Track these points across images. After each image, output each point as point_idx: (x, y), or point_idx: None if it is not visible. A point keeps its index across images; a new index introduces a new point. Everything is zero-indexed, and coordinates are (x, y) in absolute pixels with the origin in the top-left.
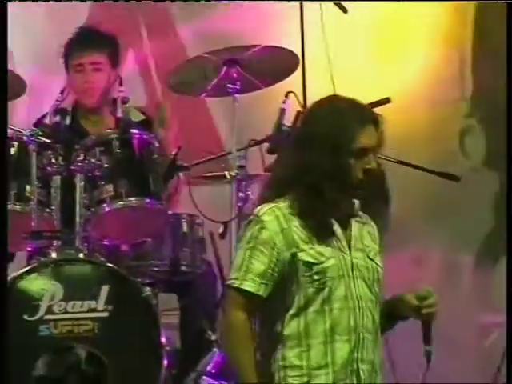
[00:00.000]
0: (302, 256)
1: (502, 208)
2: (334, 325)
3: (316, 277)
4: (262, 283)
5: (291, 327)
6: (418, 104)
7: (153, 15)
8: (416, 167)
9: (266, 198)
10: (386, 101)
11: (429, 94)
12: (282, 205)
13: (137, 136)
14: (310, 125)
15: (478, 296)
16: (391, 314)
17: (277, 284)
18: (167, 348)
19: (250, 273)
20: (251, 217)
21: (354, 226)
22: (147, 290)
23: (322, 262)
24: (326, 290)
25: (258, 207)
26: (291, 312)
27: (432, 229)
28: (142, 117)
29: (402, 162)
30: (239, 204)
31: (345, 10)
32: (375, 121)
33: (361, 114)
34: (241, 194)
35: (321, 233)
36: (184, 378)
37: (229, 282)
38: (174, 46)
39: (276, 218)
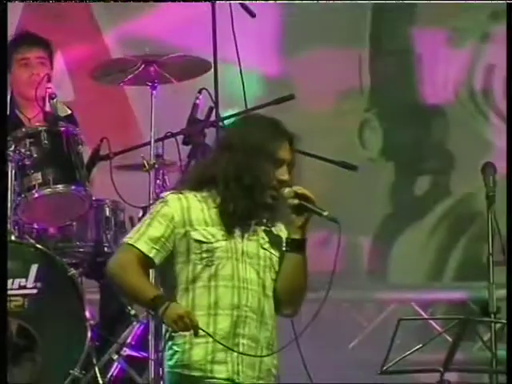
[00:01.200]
0: (195, 235)
1: (396, 194)
2: (217, 300)
3: (205, 255)
4: (153, 247)
5: (181, 300)
6: (320, 99)
7: (78, 19)
8: (318, 157)
9: (179, 190)
10: (291, 97)
11: (330, 89)
12: (188, 194)
13: (63, 129)
14: (240, 132)
15: (375, 273)
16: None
17: (171, 259)
18: (91, 322)
19: (144, 235)
20: (158, 201)
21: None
22: (72, 270)
23: (212, 243)
24: (213, 267)
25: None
26: (182, 286)
27: (335, 214)
28: (68, 111)
29: (305, 153)
30: (157, 190)
31: (253, 15)
32: (291, 138)
33: (282, 130)
34: (158, 182)
35: (214, 217)
36: (106, 350)
37: (124, 239)
38: (99, 48)
39: (178, 199)
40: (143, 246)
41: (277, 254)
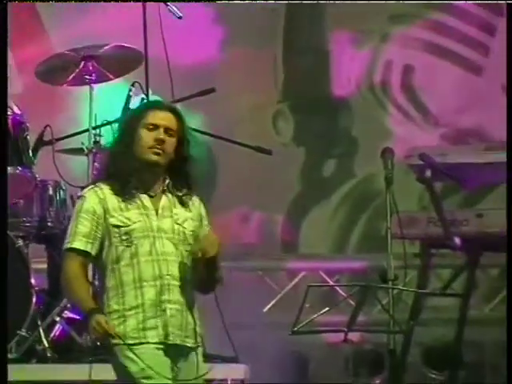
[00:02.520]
0: (113, 221)
1: (306, 175)
2: (141, 274)
3: (124, 237)
4: (87, 242)
5: (110, 280)
6: (240, 93)
7: (25, 18)
8: (238, 143)
9: (94, 181)
10: (212, 90)
11: (249, 84)
12: (103, 185)
13: (11, 117)
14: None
15: (288, 245)
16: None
17: (100, 245)
18: (36, 288)
19: (77, 235)
20: (77, 197)
21: (163, 200)
22: (20, 242)
23: (129, 225)
24: (133, 247)
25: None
26: (109, 267)
27: (254, 193)
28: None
29: (226, 139)
30: (94, 172)
31: (179, 16)
32: (163, 109)
33: (154, 102)
34: (96, 164)
35: (126, 201)
36: (49, 313)
37: (63, 247)
38: (44, 45)
39: (95, 193)
40: (79, 244)
41: (189, 228)
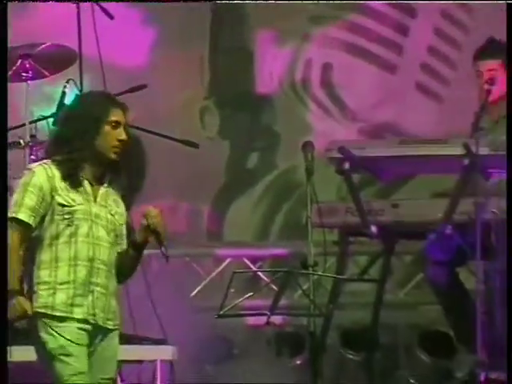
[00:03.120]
0: (59, 199)
1: (231, 167)
2: (76, 253)
3: (66, 216)
4: (31, 215)
5: (46, 253)
6: (169, 89)
7: None
8: (167, 137)
9: (45, 162)
10: (143, 86)
11: (176, 81)
12: (52, 165)
13: None
14: (76, 104)
15: (213, 233)
16: (136, 243)
17: (41, 220)
18: None
19: (23, 206)
20: (25, 171)
21: (102, 190)
22: None
23: (73, 206)
24: (73, 227)
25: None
26: (47, 242)
27: (181, 184)
28: None
29: (156, 133)
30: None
31: (111, 17)
32: (121, 106)
33: (112, 99)
34: (32, 157)
35: (72, 185)
36: None
37: (8, 215)
38: None
39: (44, 170)
40: (23, 216)
41: (120, 221)
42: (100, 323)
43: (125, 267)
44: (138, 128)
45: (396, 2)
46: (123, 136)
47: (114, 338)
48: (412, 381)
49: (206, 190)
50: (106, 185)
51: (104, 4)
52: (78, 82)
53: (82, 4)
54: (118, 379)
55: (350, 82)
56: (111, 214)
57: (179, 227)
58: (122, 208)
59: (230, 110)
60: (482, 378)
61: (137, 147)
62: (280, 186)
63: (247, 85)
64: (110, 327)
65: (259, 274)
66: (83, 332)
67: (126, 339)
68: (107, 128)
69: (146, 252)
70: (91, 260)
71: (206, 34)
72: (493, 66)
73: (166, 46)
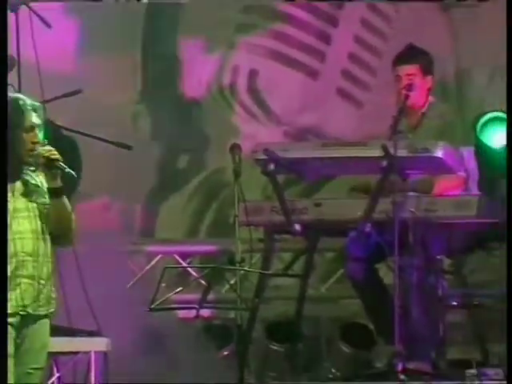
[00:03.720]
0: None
1: (163, 168)
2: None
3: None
4: None
5: None
6: (104, 93)
7: None
8: (102, 139)
9: None
10: (79, 91)
11: (112, 85)
12: None
13: None
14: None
15: (146, 231)
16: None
17: None
18: None
19: None
20: None
21: (18, 184)
22: None
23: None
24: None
25: None
26: None
27: (114, 184)
28: None
29: (92, 136)
30: None
31: (49, 26)
32: (33, 107)
33: (24, 104)
34: None
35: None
36: None
37: None
38: None
39: None
40: None
41: (42, 203)
42: (30, 312)
43: (58, 223)
44: (74, 131)
45: (320, 11)
46: (36, 138)
47: (45, 324)
48: (334, 371)
49: (138, 190)
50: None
51: (41, 12)
52: (17, 87)
53: (20, 12)
54: (54, 370)
55: (274, 88)
56: (30, 201)
57: (113, 225)
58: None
59: (161, 114)
60: (400, 367)
61: (73, 149)
62: (209, 186)
63: (177, 89)
64: (41, 313)
65: (189, 269)
66: (10, 326)
67: (61, 332)
68: (24, 134)
69: (81, 248)
70: (14, 255)
71: (138, 40)
72: (411, 70)
73: (100, 51)
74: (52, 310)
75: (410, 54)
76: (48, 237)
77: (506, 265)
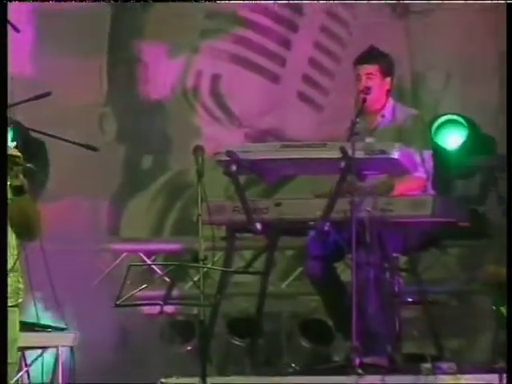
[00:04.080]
0: None
1: (128, 169)
2: None
3: None
4: None
5: None
6: (71, 96)
7: None
8: (69, 141)
9: None
10: (47, 94)
11: (76, 89)
12: None
13: None
14: None
15: (111, 229)
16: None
17: None
18: None
19: None
20: None
21: None
22: None
23: None
24: None
25: None
26: None
27: (81, 184)
28: None
29: (58, 137)
30: None
31: (18, 30)
32: None
33: None
34: None
35: None
36: None
37: None
38: None
39: None
40: None
41: None
42: None
43: (21, 220)
44: (42, 133)
45: (281, 17)
46: None
47: (14, 314)
48: (293, 365)
49: (105, 190)
50: None
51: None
52: None
53: None
54: (23, 364)
55: (236, 91)
56: None
57: (80, 225)
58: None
59: (127, 116)
60: (357, 362)
61: (40, 150)
62: (173, 187)
63: (142, 92)
64: (9, 304)
65: (153, 267)
66: None
67: (29, 327)
68: None
69: (49, 247)
70: None
71: (104, 44)
72: (371, 70)
73: (67, 54)
74: (20, 300)
75: (371, 55)
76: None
77: (507, 264)
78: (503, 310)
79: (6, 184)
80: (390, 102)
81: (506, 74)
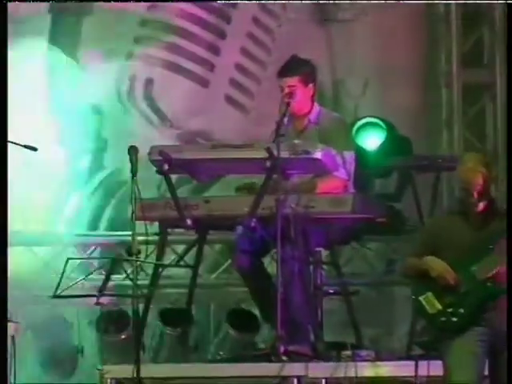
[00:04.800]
0: None
1: (68, 168)
2: None
3: None
4: None
5: None
6: (15, 99)
7: None
8: (12, 142)
9: None
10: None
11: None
12: None
13: None
14: None
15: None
16: None
17: None
18: None
19: None
20: None
21: None
22: None
23: None
24: None
25: None
26: None
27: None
28: None
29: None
30: None
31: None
32: None
33: None
34: None
35: None
36: None
37: None
38: None
39: None
40: None
41: None
42: None
43: None
44: None
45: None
46: None
47: None
48: (221, 352)
49: (44, 189)
50: None
51: None
52: None
53: None
54: None
55: (168, 95)
56: None
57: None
58: None
59: (67, 119)
60: (282, 350)
61: None
62: (109, 185)
63: (81, 96)
64: None
65: (90, 260)
66: None
67: None
68: None
69: None
70: None
71: (44, 49)
72: (292, 82)
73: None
74: None
75: (292, 66)
76: None
77: (507, 262)
78: (421, 299)
79: (6, 183)
80: (316, 106)
81: (425, 77)
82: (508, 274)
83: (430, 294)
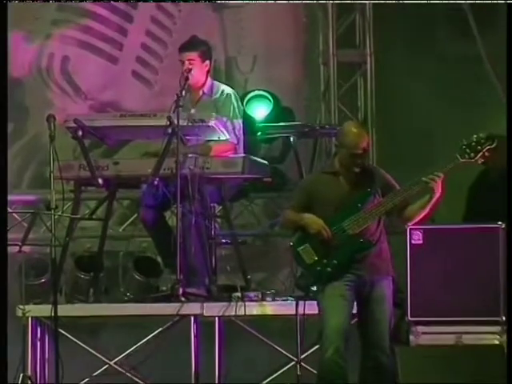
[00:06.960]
0: None
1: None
2: None
3: None
4: None
5: None
6: None
7: None
8: None
9: None
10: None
11: None
12: None
13: None
14: None
15: None
16: None
17: None
18: None
19: None
20: None
21: None
22: None
23: None
24: None
25: None
26: None
27: None
28: None
29: None
30: None
31: None
32: None
33: None
34: None
35: None
36: None
37: None
38: None
39: None
40: None
41: None
42: None
43: None
44: None
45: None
46: None
47: None
48: (128, 294)
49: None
50: None
51: None
52: None
53: None
54: None
55: (82, 71)
56: None
57: None
58: None
59: None
60: (181, 292)
61: None
62: (30, 148)
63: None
64: None
65: (14, 214)
66: None
67: None
68: None
69: None
70: None
71: None
72: (191, 56)
73: None
74: None
75: (192, 44)
76: None
77: (507, 260)
78: (299, 250)
79: (6, 182)
80: (209, 80)
81: (306, 55)
82: (507, 269)
83: (307, 245)
